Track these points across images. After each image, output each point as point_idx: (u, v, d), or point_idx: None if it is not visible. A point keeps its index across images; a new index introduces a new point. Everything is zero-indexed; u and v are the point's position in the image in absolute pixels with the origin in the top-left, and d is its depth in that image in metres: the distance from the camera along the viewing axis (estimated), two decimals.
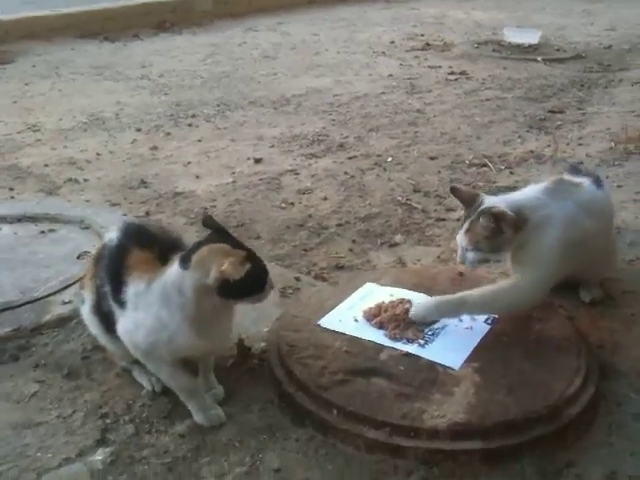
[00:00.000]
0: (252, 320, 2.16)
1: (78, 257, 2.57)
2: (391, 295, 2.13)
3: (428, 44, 6.62)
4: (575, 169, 2.35)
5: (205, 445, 1.72)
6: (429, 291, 2.15)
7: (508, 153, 3.77)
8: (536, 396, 1.71)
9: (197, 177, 3.47)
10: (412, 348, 1.89)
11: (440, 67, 5.73)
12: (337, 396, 1.73)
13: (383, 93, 4.99)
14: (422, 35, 7.11)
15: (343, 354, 1.88)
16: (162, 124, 4.30)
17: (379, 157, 3.73)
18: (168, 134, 4.12)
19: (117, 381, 1.96)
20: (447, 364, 1.82)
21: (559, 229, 1.95)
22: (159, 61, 6.01)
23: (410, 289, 2.17)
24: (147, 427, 1.79)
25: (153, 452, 1.70)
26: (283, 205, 3.14)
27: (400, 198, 3.19)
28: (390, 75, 5.49)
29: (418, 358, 1.85)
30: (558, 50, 6.35)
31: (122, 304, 1.73)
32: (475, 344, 1.91)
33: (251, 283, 1.63)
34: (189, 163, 3.66)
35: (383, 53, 6.33)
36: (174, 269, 1.66)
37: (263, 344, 2.06)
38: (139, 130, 4.19)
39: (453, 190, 2.11)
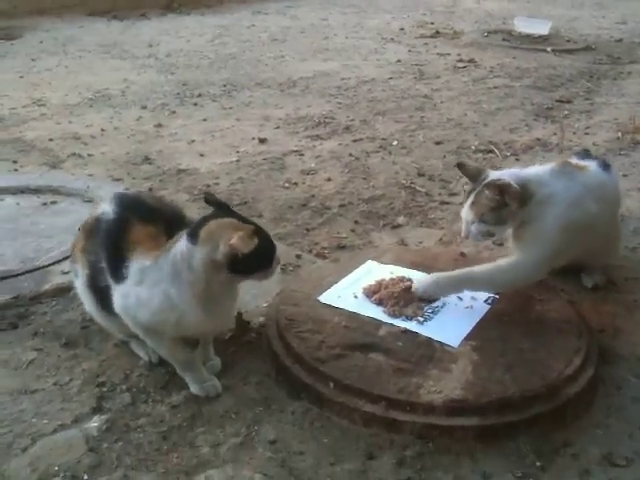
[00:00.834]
0: (252, 295, 2.15)
1: (79, 229, 2.55)
2: (391, 273, 2.12)
3: (438, 32, 6.59)
4: (583, 154, 2.33)
5: (201, 415, 1.72)
6: (429, 270, 2.13)
7: (514, 140, 3.75)
8: (534, 375, 1.70)
9: (201, 155, 3.46)
10: (411, 325, 1.88)
11: (449, 55, 5.70)
12: (334, 369, 1.72)
13: (391, 78, 4.97)
14: (432, 23, 7.08)
15: (342, 329, 1.87)
16: (168, 102, 4.29)
17: (384, 140, 3.71)
18: (173, 112, 4.11)
19: (115, 351, 1.96)
20: (445, 342, 1.81)
21: (563, 209, 1.94)
22: (167, 41, 6.00)
23: (411, 268, 2.16)
24: (144, 397, 1.78)
25: (149, 421, 1.70)
26: (286, 185, 3.13)
27: (404, 181, 3.18)
28: (398, 61, 5.47)
29: (416, 335, 1.84)
30: (568, 41, 6.31)
31: (121, 279, 1.68)
32: (474, 323, 1.90)
33: (260, 257, 1.60)
34: (193, 141, 3.65)
35: (392, 39, 6.30)
36: (182, 244, 1.61)
37: (262, 318, 2.06)
38: (144, 108, 4.18)
39: (460, 165, 2.10)
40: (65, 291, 2.19)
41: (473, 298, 2.02)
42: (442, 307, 1.98)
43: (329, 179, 3.19)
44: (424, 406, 1.62)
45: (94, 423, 1.69)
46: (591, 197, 2.03)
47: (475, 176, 2.02)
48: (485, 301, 2.01)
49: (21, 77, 4.77)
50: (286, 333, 1.86)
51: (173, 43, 5.92)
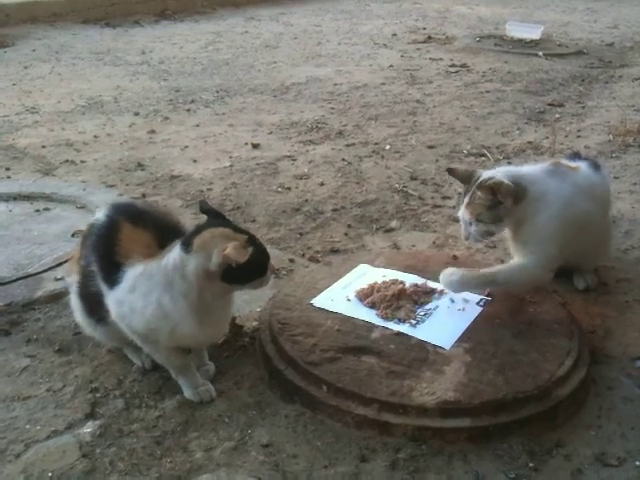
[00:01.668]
0: (245, 300, 2.15)
1: (73, 235, 2.56)
2: (384, 276, 2.13)
3: (430, 37, 6.61)
4: (574, 155, 2.36)
5: (194, 420, 1.72)
6: (422, 273, 2.15)
7: (506, 144, 3.76)
8: (526, 376, 1.71)
9: (194, 161, 3.46)
10: (403, 328, 1.89)
11: (441, 59, 5.72)
12: (327, 373, 1.72)
13: (383, 83, 4.99)
14: (424, 28, 7.10)
15: (334, 332, 1.87)
16: (161, 109, 4.30)
17: (377, 145, 3.72)
18: (166, 118, 4.11)
19: (108, 357, 1.96)
20: (438, 344, 1.82)
21: (558, 208, 1.97)
22: (160, 47, 6.00)
23: (403, 271, 2.17)
24: (137, 402, 1.79)
25: (142, 426, 1.70)
26: (279, 190, 3.13)
27: (397, 185, 3.19)
28: (391, 66, 5.49)
29: (409, 337, 1.85)
30: (560, 46, 6.34)
31: (114, 284, 1.67)
32: (467, 325, 1.91)
33: (254, 267, 1.61)
34: (186, 147, 3.65)
35: (384, 45, 6.32)
36: (176, 253, 1.61)
37: (255, 323, 2.07)
38: (137, 114, 4.18)
39: (450, 170, 2.12)
40: (58, 297, 2.19)
41: (465, 300, 2.03)
42: (434, 310, 1.99)
43: (322, 184, 3.20)
44: (417, 408, 1.63)
45: (87, 429, 1.69)
46: (582, 196, 2.05)
47: (467, 178, 2.04)
48: (477, 303, 2.02)
49: (14, 85, 4.77)
50: (279, 337, 1.86)
51: (166, 50, 5.93)
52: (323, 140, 3.80)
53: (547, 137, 3.83)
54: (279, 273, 2.38)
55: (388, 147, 3.68)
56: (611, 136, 3.84)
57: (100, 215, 1.78)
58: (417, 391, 1.66)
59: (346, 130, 3.96)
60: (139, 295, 1.65)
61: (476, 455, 1.60)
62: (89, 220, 1.91)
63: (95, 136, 3.79)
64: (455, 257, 2.29)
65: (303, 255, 2.55)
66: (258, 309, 2.12)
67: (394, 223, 2.81)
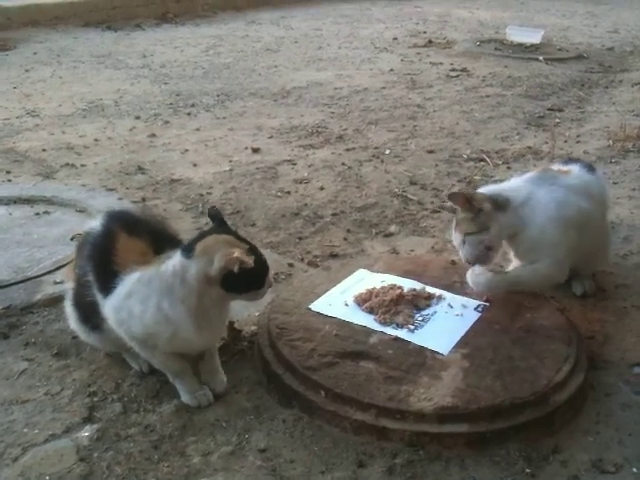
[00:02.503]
0: (244, 305, 2.13)
1: (72, 239, 2.56)
2: (383, 281, 2.13)
3: (430, 41, 6.63)
4: (568, 160, 2.37)
5: (192, 424, 1.72)
6: (420, 278, 2.15)
7: (506, 149, 3.77)
8: (524, 382, 1.71)
9: (194, 165, 3.47)
10: (401, 333, 1.89)
11: (441, 64, 5.73)
12: (325, 378, 1.72)
13: (383, 88, 4.99)
14: (425, 32, 7.12)
15: (332, 337, 1.87)
16: (161, 112, 4.30)
17: (377, 149, 3.73)
18: (167, 122, 4.12)
19: (106, 361, 1.96)
20: (436, 349, 1.82)
21: (552, 210, 2.00)
22: (161, 51, 6.02)
23: (402, 276, 2.17)
24: (135, 406, 1.79)
25: (140, 430, 1.70)
26: (279, 194, 3.14)
27: (396, 190, 3.19)
28: (391, 70, 5.50)
29: (407, 343, 1.85)
30: (560, 50, 6.35)
31: (109, 292, 1.68)
32: (465, 331, 1.91)
33: (253, 277, 1.62)
34: (187, 151, 3.66)
35: (385, 49, 6.33)
36: (176, 259, 1.62)
37: (254, 327, 2.07)
38: (138, 118, 4.19)
39: (450, 196, 2.17)
40: (57, 301, 2.18)
41: (463, 306, 2.03)
42: (433, 315, 1.99)
43: (322, 188, 3.20)
44: (414, 414, 1.63)
45: (85, 433, 1.69)
46: (577, 195, 2.07)
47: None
48: (475, 309, 2.02)
49: (15, 88, 4.78)
50: (277, 341, 1.86)
51: (167, 53, 5.94)
52: (323, 144, 3.80)
53: (546, 142, 3.83)
54: (278, 277, 2.38)
55: (388, 151, 3.69)
56: (610, 141, 3.85)
57: (96, 224, 1.78)
58: (415, 396, 1.66)
59: (346, 134, 3.97)
60: (136, 300, 1.65)
61: (473, 461, 1.60)
62: (84, 227, 1.90)
63: (96, 139, 3.80)
64: (454, 262, 2.29)
65: (302, 259, 2.55)
66: (257, 313, 2.12)
67: (393, 228, 2.82)
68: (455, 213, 2.11)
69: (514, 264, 2.18)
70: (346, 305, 2.03)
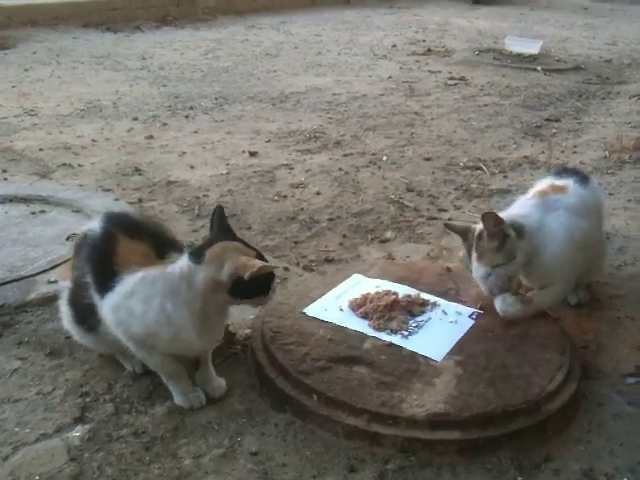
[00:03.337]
0: (239, 309, 2.14)
1: (67, 239, 2.56)
2: (378, 287, 2.13)
3: (429, 50, 6.65)
4: (561, 170, 2.36)
5: (184, 426, 1.72)
6: (415, 284, 2.15)
7: (503, 158, 3.78)
8: (517, 390, 1.71)
9: (191, 167, 3.47)
10: (395, 339, 1.89)
11: (440, 72, 5.75)
12: (318, 382, 1.72)
13: (382, 94, 5.01)
14: (424, 41, 7.14)
15: (326, 342, 1.87)
16: (159, 114, 4.31)
17: (374, 156, 3.74)
18: (165, 124, 4.12)
19: (99, 361, 1.95)
20: (429, 356, 1.82)
21: (562, 236, 2.01)
22: (160, 53, 6.02)
23: (397, 282, 2.17)
24: (127, 407, 1.78)
25: (131, 431, 1.70)
26: (276, 198, 3.14)
27: (393, 196, 3.20)
28: (390, 77, 5.51)
29: (401, 348, 1.85)
30: (558, 61, 6.37)
31: (107, 292, 1.67)
32: (458, 338, 1.91)
33: (261, 284, 1.64)
34: (184, 153, 3.66)
35: (384, 56, 6.35)
36: (184, 262, 1.64)
37: (248, 331, 2.06)
38: (136, 119, 4.19)
39: (447, 225, 2.18)
40: (51, 300, 2.18)
41: (458, 313, 2.04)
42: (427, 322, 1.99)
43: (318, 193, 3.21)
44: (406, 420, 1.63)
45: (76, 433, 1.68)
46: (577, 217, 2.08)
47: (464, 232, 2.06)
48: (469, 316, 2.03)
49: (13, 87, 4.78)
50: (271, 345, 1.86)
51: (166, 56, 5.94)
52: (320, 149, 3.81)
53: (543, 152, 3.84)
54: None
55: (385, 158, 3.70)
56: (607, 152, 3.86)
57: (94, 225, 1.78)
58: (407, 402, 1.66)
59: (344, 140, 3.98)
60: (138, 300, 1.65)
61: (465, 468, 1.60)
62: (82, 228, 1.89)
63: (93, 140, 3.79)
64: (449, 269, 2.30)
65: (297, 264, 2.56)
66: (251, 317, 2.12)
67: (389, 234, 2.82)
68: (464, 239, 2.06)
69: None
70: (340, 310, 2.03)
